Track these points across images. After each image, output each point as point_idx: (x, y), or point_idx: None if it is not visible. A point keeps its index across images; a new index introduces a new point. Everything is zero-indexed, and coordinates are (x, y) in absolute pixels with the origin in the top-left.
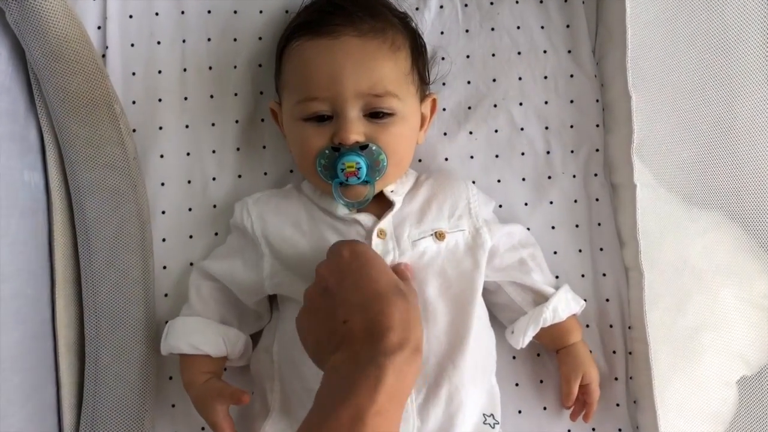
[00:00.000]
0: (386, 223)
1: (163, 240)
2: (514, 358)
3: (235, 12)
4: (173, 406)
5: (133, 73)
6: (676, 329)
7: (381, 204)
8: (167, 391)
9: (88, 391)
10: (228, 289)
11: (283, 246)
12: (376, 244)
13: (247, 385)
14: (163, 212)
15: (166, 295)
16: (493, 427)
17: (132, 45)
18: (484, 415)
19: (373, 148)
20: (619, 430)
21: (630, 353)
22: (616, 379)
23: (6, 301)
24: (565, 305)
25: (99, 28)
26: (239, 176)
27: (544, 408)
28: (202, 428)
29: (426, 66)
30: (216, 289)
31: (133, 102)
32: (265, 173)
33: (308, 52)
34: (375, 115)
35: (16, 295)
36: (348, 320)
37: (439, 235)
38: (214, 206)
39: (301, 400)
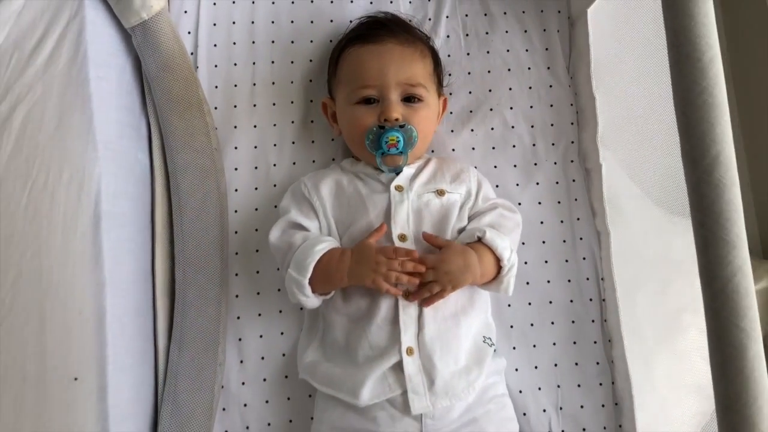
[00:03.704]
0: (402, 180)
1: (235, 211)
2: (509, 305)
3: (293, 42)
4: (240, 339)
5: (216, 87)
6: (661, 310)
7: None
8: (235, 328)
9: (176, 322)
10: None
11: (332, 199)
12: (394, 194)
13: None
14: (236, 190)
15: (236, 253)
16: (491, 347)
17: (215, 66)
18: (483, 336)
19: (408, 127)
20: (597, 363)
21: (603, 300)
22: (593, 321)
23: (124, 241)
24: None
25: (192, 54)
26: (294, 163)
27: (534, 346)
28: (262, 357)
29: (442, 75)
30: (297, 234)
31: (215, 108)
32: (313, 161)
33: (362, 55)
34: (409, 99)
35: (130, 238)
36: None
37: (439, 192)
38: (275, 185)
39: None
